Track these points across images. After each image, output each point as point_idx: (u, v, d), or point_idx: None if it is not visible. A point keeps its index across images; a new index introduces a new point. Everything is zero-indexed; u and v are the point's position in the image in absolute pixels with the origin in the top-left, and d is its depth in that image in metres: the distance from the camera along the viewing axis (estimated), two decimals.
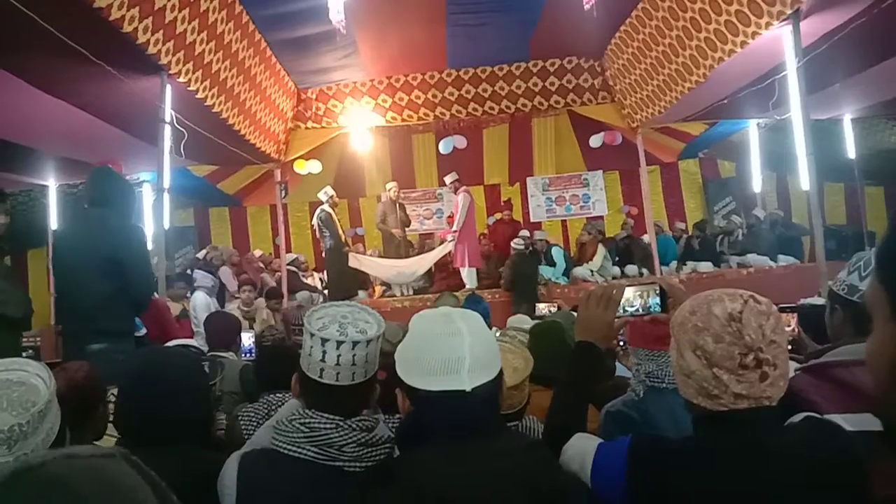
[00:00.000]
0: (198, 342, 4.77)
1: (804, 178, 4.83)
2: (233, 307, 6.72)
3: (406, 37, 6.67)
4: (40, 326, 5.72)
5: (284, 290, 7.63)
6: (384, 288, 8.29)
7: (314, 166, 8.73)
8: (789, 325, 2.20)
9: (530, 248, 8.39)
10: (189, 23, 4.46)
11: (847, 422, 1.13)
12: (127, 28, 3.75)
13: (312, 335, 1.28)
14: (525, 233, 8.80)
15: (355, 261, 7.81)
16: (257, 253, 9.12)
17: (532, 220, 10.38)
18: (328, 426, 1.25)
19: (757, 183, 8.81)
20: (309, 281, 8.59)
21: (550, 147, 10.30)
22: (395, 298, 7.84)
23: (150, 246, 3.73)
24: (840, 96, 6.42)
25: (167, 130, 4.76)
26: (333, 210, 7.89)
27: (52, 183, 6.97)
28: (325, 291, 8.16)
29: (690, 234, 9.23)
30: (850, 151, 7.80)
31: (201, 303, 6.25)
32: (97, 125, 5.09)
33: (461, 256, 7.84)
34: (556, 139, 10.18)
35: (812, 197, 4.88)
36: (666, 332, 1.24)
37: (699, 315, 1.12)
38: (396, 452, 1.28)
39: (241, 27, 5.34)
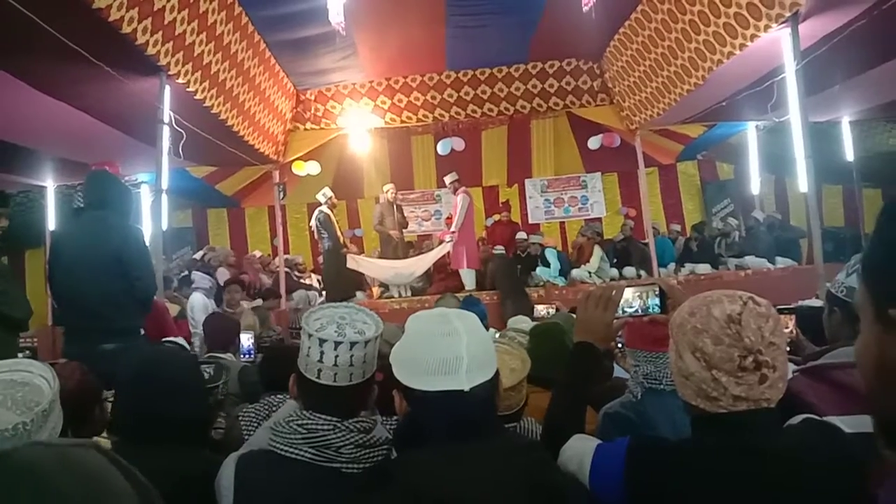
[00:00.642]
0: (196, 343, 4.78)
1: (802, 181, 4.84)
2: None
3: (405, 38, 6.67)
4: (37, 327, 5.71)
5: (283, 290, 7.63)
6: (382, 289, 8.28)
7: (313, 167, 8.73)
8: (787, 327, 2.20)
9: (526, 252, 8.44)
10: (188, 24, 4.46)
11: (845, 424, 1.13)
12: (126, 29, 3.75)
13: (310, 336, 1.28)
14: (522, 235, 8.81)
15: (353, 262, 7.80)
16: (257, 254, 9.11)
17: (530, 221, 10.38)
18: (326, 427, 1.25)
19: (755, 185, 8.82)
20: (306, 282, 8.58)
21: (549, 149, 10.31)
22: (393, 300, 7.84)
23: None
24: (839, 99, 6.43)
25: (166, 131, 4.75)
26: (332, 211, 7.89)
27: (50, 184, 6.97)
28: (324, 292, 8.15)
29: (689, 235, 9.23)
30: (849, 154, 7.81)
31: (199, 304, 6.23)
32: (96, 126, 5.08)
33: (460, 258, 7.84)
34: (554, 141, 10.18)
35: (810, 199, 4.88)
36: (664, 334, 1.24)
37: (698, 317, 1.11)
38: (394, 454, 1.28)
39: (241, 28, 5.34)
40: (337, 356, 1.26)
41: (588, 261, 8.36)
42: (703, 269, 8.26)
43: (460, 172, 8.34)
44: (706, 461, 1.07)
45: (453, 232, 7.82)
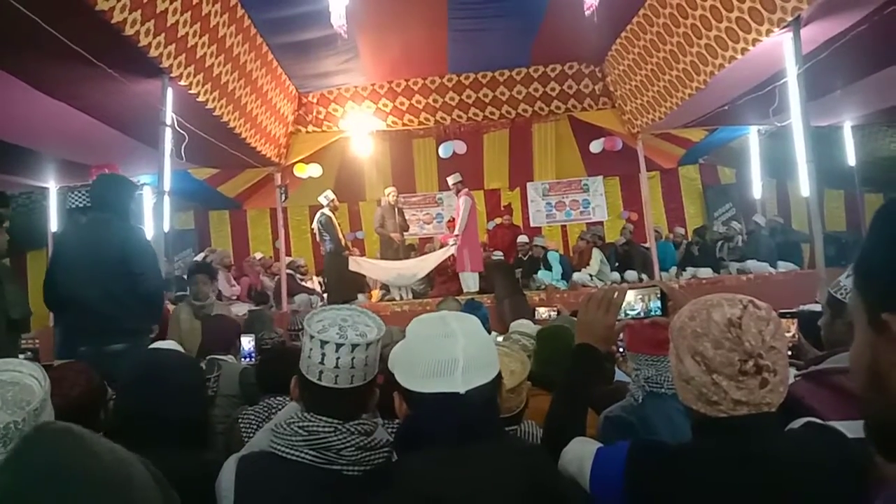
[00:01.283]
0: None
1: (804, 185, 4.84)
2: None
3: (407, 41, 6.68)
4: (38, 328, 5.71)
5: (283, 293, 7.63)
6: (383, 292, 8.27)
7: (314, 170, 8.74)
8: (790, 331, 2.19)
9: (528, 255, 8.42)
10: (191, 26, 4.47)
11: (846, 429, 1.12)
12: (129, 31, 3.76)
13: (312, 337, 1.28)
14: (523, 238, 8.80)
15: (355, 264, 7.80)
16: (258, 255, 9.11)
17: (532, 225, 10.39)
18: (327, 429, 1.25)
19: (757, 189, 8.83)
20: (308, 284, 8.58)
21: (551, 152, 10.31)
22: (394, 302, 7.82)
23: None
24: (840, 103, 6.43)
25: (168, 133, 4.76)
26: (334, 214, 7.89)
27: (52, 185, 6.98)
28: (325, 295, 8.15)
29: (690, 239, 9.23)
30: (850, 158, 7.81)
31: None
32: (98, 127, 5.10)
33: (463, 261, 7.83)
34: (556, 144, 10.19)
35: (812, 203, 4.88)
36: (665, 337, 1.24)
37: (698, 320, 1.11)
38: (395, 457, 1.27)
39: (243, 31, 5.35)
40: (338, 358, 1.26)
41: (588, 264, 8.37)
42: (705, 272, 8.26)
43: (462, 176, 8.33)
44: (707, 465, 1.06)
45: (456, 235, 7.81)
